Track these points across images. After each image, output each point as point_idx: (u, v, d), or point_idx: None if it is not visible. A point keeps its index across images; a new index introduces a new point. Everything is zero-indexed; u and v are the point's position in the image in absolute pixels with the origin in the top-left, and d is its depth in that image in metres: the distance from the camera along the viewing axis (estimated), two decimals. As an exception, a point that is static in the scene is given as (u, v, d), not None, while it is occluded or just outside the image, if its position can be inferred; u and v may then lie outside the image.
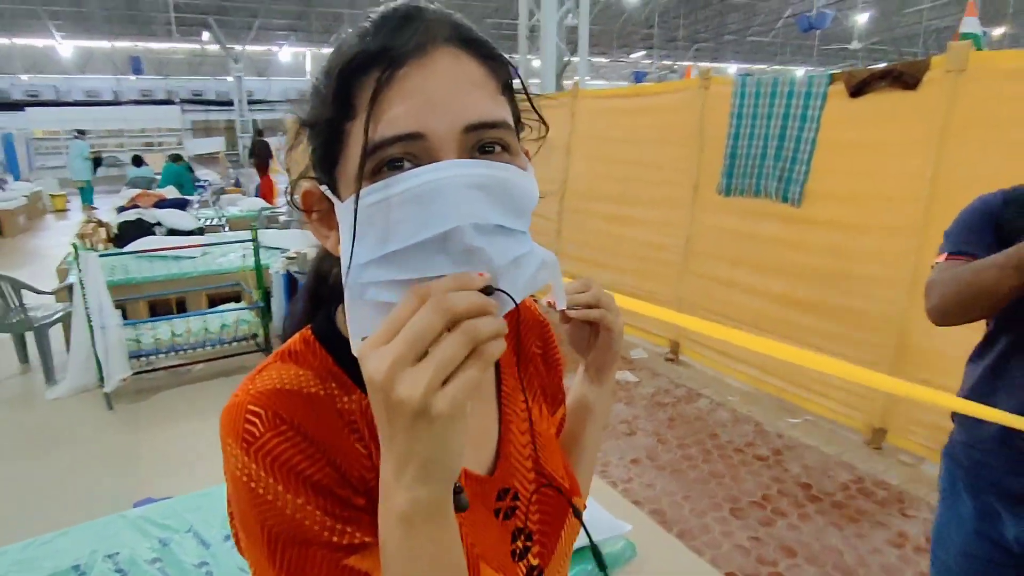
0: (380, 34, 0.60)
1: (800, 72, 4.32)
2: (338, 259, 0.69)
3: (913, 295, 3.72)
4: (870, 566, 3.02)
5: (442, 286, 0.51)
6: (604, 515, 2.47)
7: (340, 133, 0.62)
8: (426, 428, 0.49)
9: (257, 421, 0.62)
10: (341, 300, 0.72)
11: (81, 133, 16.01)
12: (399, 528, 0.54)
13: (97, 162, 15.29)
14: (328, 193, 0.64)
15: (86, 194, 15.71)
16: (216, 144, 22.03)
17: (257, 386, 0.65)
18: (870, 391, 4.02)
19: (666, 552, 3.05)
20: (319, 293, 0.80)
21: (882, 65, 3.87)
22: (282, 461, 0.61)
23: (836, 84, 4.07)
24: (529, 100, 0.72)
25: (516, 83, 0.69)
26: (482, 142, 0.60)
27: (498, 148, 0.62)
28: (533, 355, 0.93)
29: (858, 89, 3.95)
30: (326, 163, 0.65)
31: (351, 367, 0.69)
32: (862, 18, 21.70)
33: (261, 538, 0.61)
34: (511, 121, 0.65)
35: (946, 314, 1.55)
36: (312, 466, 0.62)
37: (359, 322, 0.60)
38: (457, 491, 0.58)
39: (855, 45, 23.52)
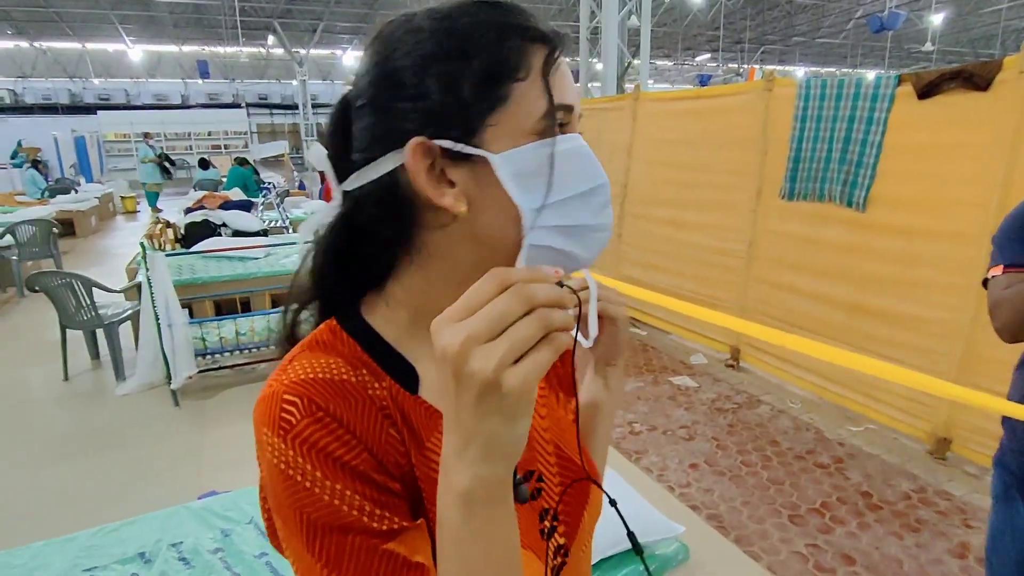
0: (526, 16, 0.67)
1: (870, 75, 4.23)
2: (368, 236, 0.72)
3: (980, 303, 3.62)
4: (931, 576, 2.96)
5: (523, 275, 0.53)
6: (658, 516, 2.46)
7: (506, 91, 0.64)
8: (496, 404, 0.51)
9: (293, 410, 0.63)
10: (366, 290, 0.77)
11: (147, 136, 15.84)
12: (459, 507, 0.55)
13: (165, 167, 14.91)
14: (468, 149, 0.63)
15: (151, 198, 15.26)
16: (280, 147, 22.39)
17: (290, 376, 0.66)
18: (934, 400, 3.93)
19: (721, 556, 3.02)
20: (334, 280, 0.77)
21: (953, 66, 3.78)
22: (319, 448, 0.62)
23: (904, 86, 3.98)
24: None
25: None
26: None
27: None
28: None
29: (926, 91, 3.87)
30: (472, 117, 0.63)
31: (380, 356, 0.71)
32: (936, 19, 20.64)
33: (299, 526, 0.62)
34: None
35: (1019, 332, 1.50)
36: (348, 452, 0.63)
37: (534, 258, 0.65)
38: (518, 482, 0.61)
39: (928, 47, 22.81)
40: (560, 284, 0.55)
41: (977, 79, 3.62)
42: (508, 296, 0.51)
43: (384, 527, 0.62)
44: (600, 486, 0.87)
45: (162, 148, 15.49)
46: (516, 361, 0.50)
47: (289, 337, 0.78)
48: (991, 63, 3.58)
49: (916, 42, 24.87)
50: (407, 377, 0.71)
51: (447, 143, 0.64)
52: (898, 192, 4.08)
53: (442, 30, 0.65)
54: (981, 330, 3.63)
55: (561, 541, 0.81)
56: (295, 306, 0.79)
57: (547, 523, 0.79)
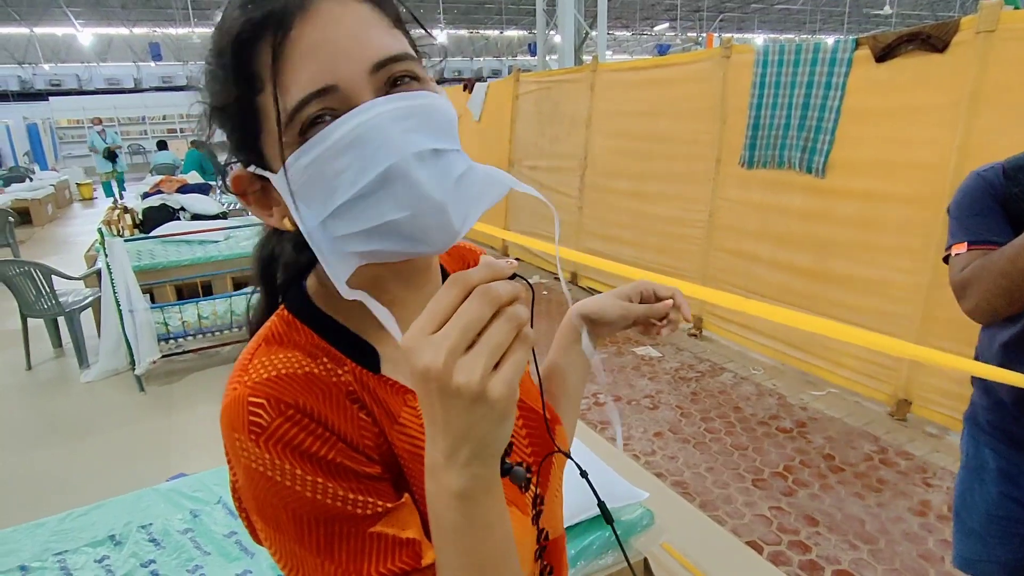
0: (242, 9, 0.61)
1: (829, 41, 4.26)
2: (283, 236, 0.73)
3: (939, 265, 3.67)
4: (891, 534, 3.03)
5: (482, 276, 0.51)
6: (621, 483, 2.48)
7: (252, 109, 0.62)
8: (486, 412, 0.50)
9: (261, 412, 0.61)
10: (307, 271, 0.77)
11: (97, 121, 14.72)
12: (457, 505, 0.55)
13: (112, 155, 14.12)
14: (259, 171, 0.65)
15: (106, 188, 14.59)
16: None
17: (252, 376, 0.65)
18: (895, 363, 4.00)
19: (686, 521, 3.06)
20: (271, 278, 0.80)
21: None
22: (294, 445, 0.61)
23: (861, 49, 4.01)
24: (416, 20, 0.71)
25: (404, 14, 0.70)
26: (392, 77, 0.62)
27: (407, 79, 0.63)
28: None
29: (884, 54, 3.89)
30: (247, 142, 0.65)
31: (337, 340, 0.71)
32: (896, -18, 20.96)
33: (288, 523, 0.62)
34: (412, 52, 0.66)
35: (994, 312, 1.46)
36: (323, 446, 0.62)
37: (340, 272, 0.62)
38: (510, 468, 0.63)
39: (887, 11, 22.91)
40: (513, 276, 0.55)
41: (935, 40, 3.65)
42: (476, 301, 0.50)
43: (368, 512, 0.62)
44: (565, 453, 0.89)
45: (114, 137, 14.57)
46: (496, 366, 0.50)
47: (259, 319, 0.78)
48: (948, 24, 3.60)
49: (875, 6, 24.96)
50: (368, 358, 0.70)
51: (252, 168, 0.65)
52: (857, 157, 4.12)
53: (208, 54, 0.66)
54: (939, 292, 3.70)
55: (536, 491, 0.83)
56: (257, 289, 0.81)
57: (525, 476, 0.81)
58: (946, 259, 1.62)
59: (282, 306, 0.74)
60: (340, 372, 0.68)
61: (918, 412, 3.95)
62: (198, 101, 0.67)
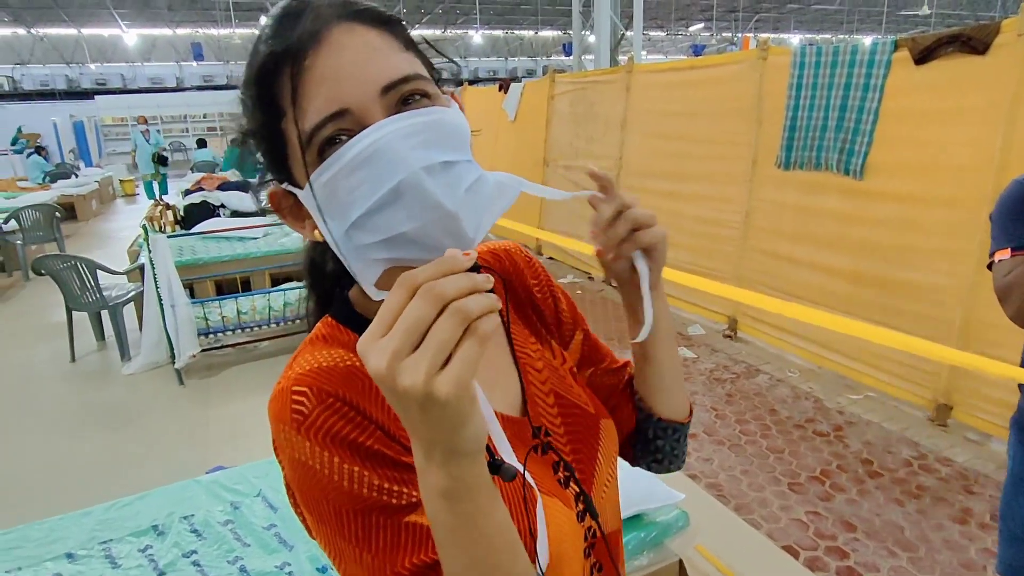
0: (277, 35, 0.65)
1: (866, 41, 4.22)
2: (324, 243, 0.75)
3: (981, 269, 3.62)
4: (932, 541, 2.99)
5: (428, 274, 0.51)
6: (657, 484, 2.48)
7: (278, 134, 0.67)
8: (439, 412, 0.50)
9: (304, 400, 0.65)
10: (340, 281, 0.82)
11: (142, 120, 14.59)
12: (442, 503, 0.55)
13: (163, 160, 13.91)
14: (289, 188, 0.70)
15: (148, 188, 14.36)
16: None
17: (296, 370, 0.69)
18: (935, 367, 3.94)
19: (721, 524, 3.05)
20: (320, 283, 0.86)
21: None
22: (333, 433, 0.64)
23: (900, 51, 3.96)
24: (428, 43, 0.76)
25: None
26: (402, 96, 0.66)
27: (418, 97, 0.67)
28: (530, 297, 0.96)
29: (923, 56, 3.85)
30: (277, 163, 0.71)
31: None
32: (934, -19, 20.61)
33: (328, 514, 0.65)
34: (423, 71, 0.69)
35: None
36: (362, 433, 0.65)
37: (367, 276, 0.66)
38: (498, 464, 0.60)
39: (926, 11, 22.55)
40: (476, 268, 0.53)
41: (975, 43, 3.60)
42: (417, 301, 0.50)
43: (403, 502, 0.65)
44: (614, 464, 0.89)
45: (157, 137, 14.32)
46: (445, 364, 0.49)
47: (313, 314, 0.84)
48: (989, 26, 3.55)
49: (913, 6, 24.57)
50: None
51: (284, 185, 0.71)
52: (895, 159, 4.08)
53: (241, 85, 0.71)
54: (981, 295, 3.64)
55: (577, 489, 0.82)
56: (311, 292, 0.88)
57: (561, 473, 0.81)
58: (990, 265, 1.61)
59: (327, 315, 0.79)
60: None
61: (959, 417, 3.89)
62: (239, 126, 0.73)
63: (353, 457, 0.64)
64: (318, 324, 0.78)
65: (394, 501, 0.64)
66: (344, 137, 0.63)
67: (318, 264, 0.86)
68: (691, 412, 1.00)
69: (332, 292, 0.83)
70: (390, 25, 0.70)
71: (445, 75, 0.76)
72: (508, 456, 0.70)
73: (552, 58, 33.64)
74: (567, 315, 0.99)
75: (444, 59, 0.78)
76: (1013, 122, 3.47)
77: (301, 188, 0.67)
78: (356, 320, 0.76)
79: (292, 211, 0.74)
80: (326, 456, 0.63)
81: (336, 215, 0.64)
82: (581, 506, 0.82)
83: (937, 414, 3.96)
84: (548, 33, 31.15)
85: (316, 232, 0.71)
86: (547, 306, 0.97)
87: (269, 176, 0.74)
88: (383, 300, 0.59)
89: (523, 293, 0.96)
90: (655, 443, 0.99)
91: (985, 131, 3.59)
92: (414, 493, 0.65)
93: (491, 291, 0.52)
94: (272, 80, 0.65)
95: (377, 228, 0.63)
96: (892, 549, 2.96)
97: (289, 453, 0.65)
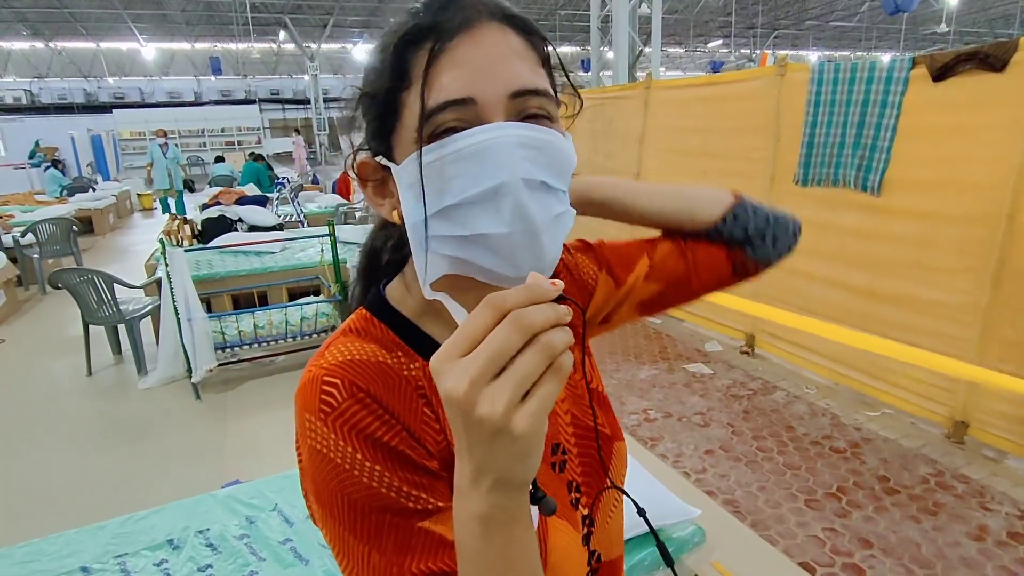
0: (430, 12, 0.66)
1: (884, 58, 4.22)
2: (391, 230, 0.79)
3: (998, 286, 3.62)
4: (949, 559, 2.97)
5: (517, 299, 0.49)
6: (673, 500, 2.47)
7: (396, 102, 0.67)
8: (508, 444, 0.49)
9: (334, 391, 0.65)
10: (391, 275, 0.83)
11: (162, 133, 13.73)
12: (477, 529, 0.54)
13: (191, 188, 13.48)
14: (384, 161, 0.70)
15: (163, 203, 13.82)
16: (292, 143, 22.53)
17: (328, 359, 0.69)
18: (952, 384, 3.92)
19: (737, 540, 3.04)
20: (372, 270, 0.87)
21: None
22: (360, 428, 0.64)
23: (918, 68, 3.96)
24: (563, 70, 0.76)
25: (554, 60, 0.74)
26: (527, 110, 0.66)
27: (541, 117, 0.67)
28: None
29: (941, 73, 3.84)
30: (382, 133, 0.70)
31: (411, 339, 0.75)
32: (952, -1, 20.54)
33: (341, 508, 0.64)
34: (552, 91, 0.70)
35: None
36: (388, 432, 0.65)
37: (429, 271, 0.67)
38: (541, 496, 0.59)
39: (944, 28, 22.49)
40: (561, 299, 0.52)
41: (993, 60, 3.60)
42: (506, 328, 0.48)
43: (420, 507, 0.65)
44: (620, 488, 0.87)
45: (175, 152, 13.53)
46: (524, 397, 0.48)
47: (359, 299, 0.86)
48: (1007, 43, 3.55)
49: (932, 23, 24.53)
50: None
51: (378, 158, 0.71)
52: (913, 175, 4.06)
53: (373, 49, 0.72)
54: (998, 313, 3.63)
55: (585, 512, 0.82)
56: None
57: (573, 494, 0.81)
58: None
59: (362, 307, 0.79)
60: (412, 367, 0.72)
61: (976, 435, 3.87)
62: (351, 86, 0.74)
63: (376, 455, 0.64)
64: (352, 316, 0.78)
65: (410, 504, 0.64)
66: (459, 127, 0.63)
67: (377, 252, 0.87)
68: (735, 195, 1.03)
69: (375, 283, 0.84)
70: (535, 38, 0.70)
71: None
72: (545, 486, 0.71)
73: (571, 74, 33.76)
74: (604, 292, 0.99)
75: (572, 88, 0.79)
76: (1032, 140, 3.46)
77: (397, 163, 0.68)
78: (391, 315, 0.76)
79: (377, 186, 0.75)
80: (349, 450, 0.63)
81: (419, 199, 0.64)
82: (587, 529, 0.82)
83: (954, 431, 3.93)
84: (566, 49, 31.22)
85: (395, 213, 0.71)
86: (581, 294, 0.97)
87: (365, 145, 0.74)
88: (440, 297, 0.66)
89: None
90: (732, 239, 1.02)
91: (1003, 148, 3.57)
92: (431, 500, 0.65)
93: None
94: (410, 49, 0.66)
95: (463, 222, 0.63)
96: (909, 566, 2.94)
97: (310, 443, 0.65)
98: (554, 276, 0.95)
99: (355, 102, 0.73)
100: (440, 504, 0.66)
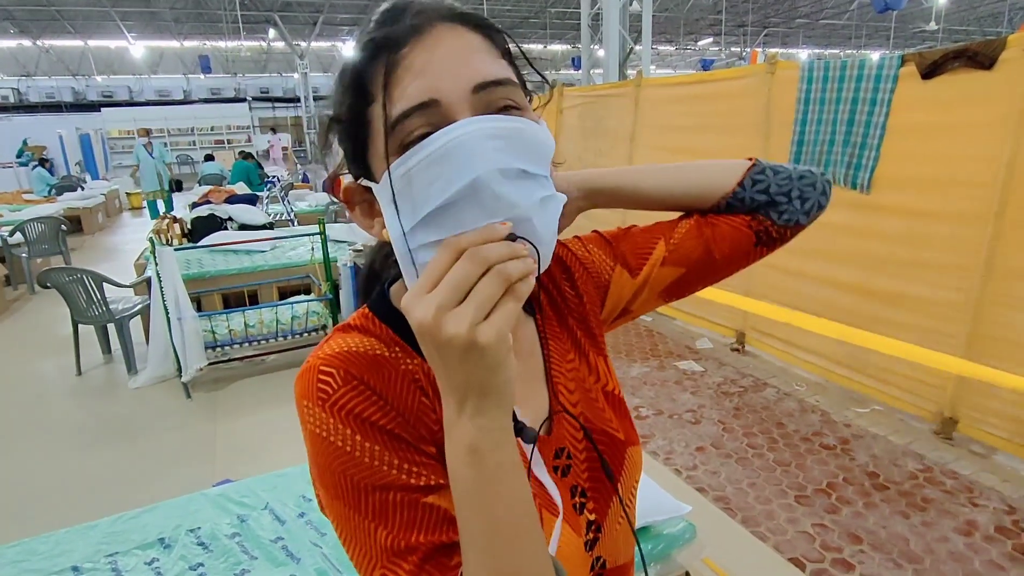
0: (381, 26, 0.67)
1: (874, 56, 4.24)
2: (386, 253, 0.80)
3: (987, 283, 3.65)
4: (937, 553, 2.99)
5: (472, 239, 0.56)
6: (664, 496, 2.48)
7: (363, 120, 0.68)
8: (478, 358, 0.54)
9: (330, 380, 0.68)
10: (394, 277, 0.83)
11: (145, 132, 13.24)
12: (469, 458, 0.59)
13: (178, 187, 13.12)
14: (364, 182, 0.70)
15: (151, 207, 13.45)
16: (282, 141, 22.42)
17: (325, 351, 0.71)
18: (941, 381, 3.94)
19: (728, 536, 3.07)
20: (374, 275, 0.88)
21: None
22: (356, 413, 0.66)
23: (907, 66, 3.97)
24: (525, 58, 0.75)
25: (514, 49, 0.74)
26: (493, 102, 0.65)
27: (509, 107, 0.67)
28: (567, 299, 0.95)
29: (930, 71, 3.85)
30: (357, 153, 0.71)
31: (411, 338, 0.75)
32: (941, -3, 20.61)
33: (345, 489, 0.66)
34: (516, 80, 0.69)
35: None
36: (384, 416, 0.68)
37: (414, 278, 0.66)
38: (520, 426, 0.66)
39: (933, 26, 22.60)
40: (512, 237, 0.59)
41: (981, 58, 3.61)
42: (464, 261, 0.55)
43: (422, 483, 0.67)
44: (621, 498, 0.87)
45: (162, 151, 13.16)
46: (486, 317, 0.54)
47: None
48: (995, 41, 3.56)
49: (921, 21, 24.62)
50: None
51: (360, 180, 0.71)
52: (902, 173, 4.08)
53: (336, 76, 0.72)
54: (987, 310, 3.66)
55: (591, 517, 0.82)
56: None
57: (577, 499, 0.82)
58: None
59: (365, 305, 0.81)
60: (409, 362, 0.74)
61: (964, 431, 3.89)
62: (325, 114, 0.75)
63: (375, 436, 0.66)
64: (353, 314, 0.80)
65: (413, 480, 0.66)
66: (428, 132, 0.62)
67: (377, 273, 0.88)
68: (751, 160, 0.98)
69: (374, 286, 0.86)
70: (491, 32, 0.70)
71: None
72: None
73: (561, 72, 33.75)
74: (617, 291, 0.97)
75: (537, 74, 0.78)
76: (1019, 137, 3.48)
77: (377, 182, 0.67)
78: (393, 316, 0.77)
79: (364, 208, 0.75)
80: (348, 432, 0.66)
81: (406, 209, 0.63)
82: (591, 535, 0.82)
83: (943, 427, 3.96)
84: (557, 47, 31.21)
85: (384, 232, 0.69)
86: (593, 304, 0.96)
87: (343, 170, 0.75)
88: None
89: (572, 302, 0.94)
90: (755, 205, 0.97)
91: (991, 146, 3.59)
92: (432, 476, 0.67)
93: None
94: (368, 68, 0.66)
95: (448, 225, 0.61)
96: (898, 561, 2.96)
97: (311, 428, 0.67)
98: (566, 269, 0.94)
99: (325, 129, 0.75)
100: (442, 481, 0.67)
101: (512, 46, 0.73)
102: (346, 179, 0.75)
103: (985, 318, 3.68)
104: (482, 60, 0.66)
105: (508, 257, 0.55)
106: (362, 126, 0.68)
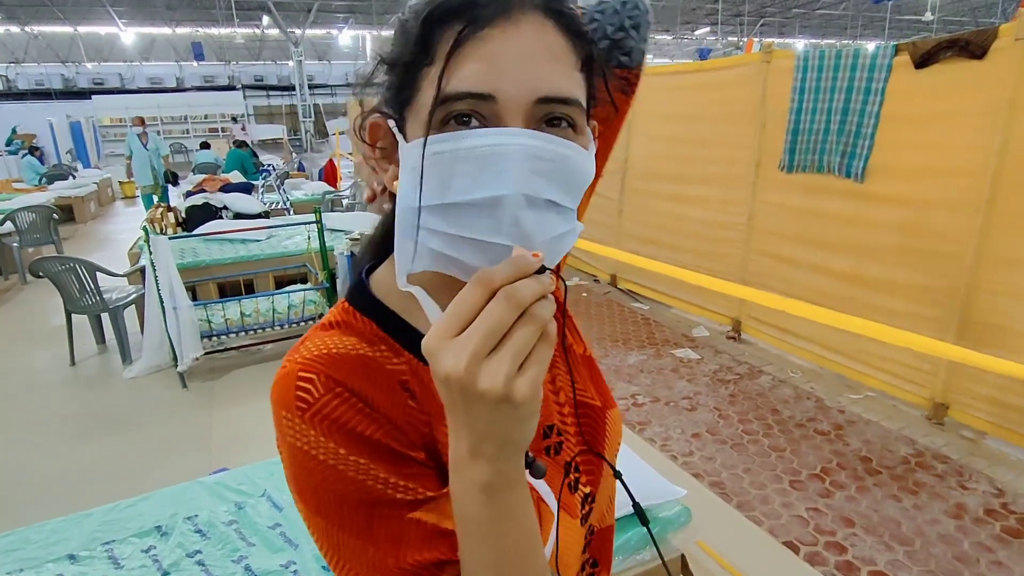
0: None
1: (869, 46, 4.25)
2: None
3: (977, 271, 3.68)
4: (927, 536, 3.04)
5: (506, 275, 0.51)
6: (660, 480, 2.50)
7: (416, 76, 0.63)
8: (510, 411, 0.50)
9: (310, 386, 0.62)
10: (374, 265, 0.79)
11: (139, 121, 11.88)
12: (481, 498, 0.55)
13: (174, 179, 11.86)
14: (395, 130, 0.65)
15: (147, 201, 11.64)
16: (277, 130, 22.26)
17: (303, 354, 0.66)
18: (932, 367, 3.98)
19: (723, 520, 3.09)
20: (382, 244, 0.81)
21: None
22: (340, 423, 0.62)
23: (901, 55, 3.99)
24: (606, 85, 0.70)
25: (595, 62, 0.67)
26: (551, 115, 0.60)
27: (565, 124, 0.61)
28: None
29: (923, 60, 3.87)
30: (398, 102, 0.66)
31: (396, 331, 0.71)
32: (937, -12, 20.61)
33: (329, 504, 0.62)
34: (583, 100, 0.64)
35: None
36: (370, 425, 0.63)
37: (404, 258, 0.62)
38: (531, 460, 0.60)
39: (928, 17, 22.58)
40: (542, 269, 0.53)
41: (973, 47, 3.63)
42: (499, 304, 0.50)
43: (409, 497, 0.63)
44: (609, 463, 0.85)
45: (156, 140, 11.72)
46: (520, 366, 0.50)
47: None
48: (987, 31, 3.58)
49: (916, 12, 24.62)
50: None
51: (392, 124, 0.66)
52: (896, 162, 4.10)
53: (404, 11, 0.66)
54: (976, 297, 3.70)
55: (586, 490, 0.81)
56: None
57: (572, 475, 0.80)
58: None
59: (343, 300, 0.75)
60: (396, 361, 0.69)
61: (955, 416, 3.94)
62: (381, 51, 0.68)
63: (360, 448, 0.62)
64: (332, 310, 0.74)
65: (399, 496, 0.62)
66: (476, 122, 0.58)
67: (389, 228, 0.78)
68: None
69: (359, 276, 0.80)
70: (580, 40, 0.64)
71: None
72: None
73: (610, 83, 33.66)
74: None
75: (609, 99, 0.72)
76: (1010, 126, 3.51)
77: (406, 140, 0.63)
78: (375, 308, 0.72)
79: (385, 152, 0.71)
80: (331, 445, 0.61)
81: (416, 188, 0.59)
82: (587, 508, 0.82)
83: (934, 413, 4.00)
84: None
85: (395, 184, 0.65)
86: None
87: (382, 108, 0.69)
88: (414, 291, 0.61)
89: None
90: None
91: (983, 135, 3.62)
92: (420, 489, 0.63)
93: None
94: (441, 25, 0.60)
95: (458, 222, 0.58)
96: (889, 543, 3.00)
97: (290, 441, 0.62)
98: None
99: (375, 63, 0.68)
100: (430, 494, 0.64)
101: (596, 61, 0.67)
102: (374, 116, 0.70)
103: (975, 305, 3.72)
104: (557, 70, 0.60)
105: (539, 296, 0.51)
106: (412, 80, 0.63)
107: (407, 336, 0.71)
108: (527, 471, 0.59)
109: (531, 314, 0.50)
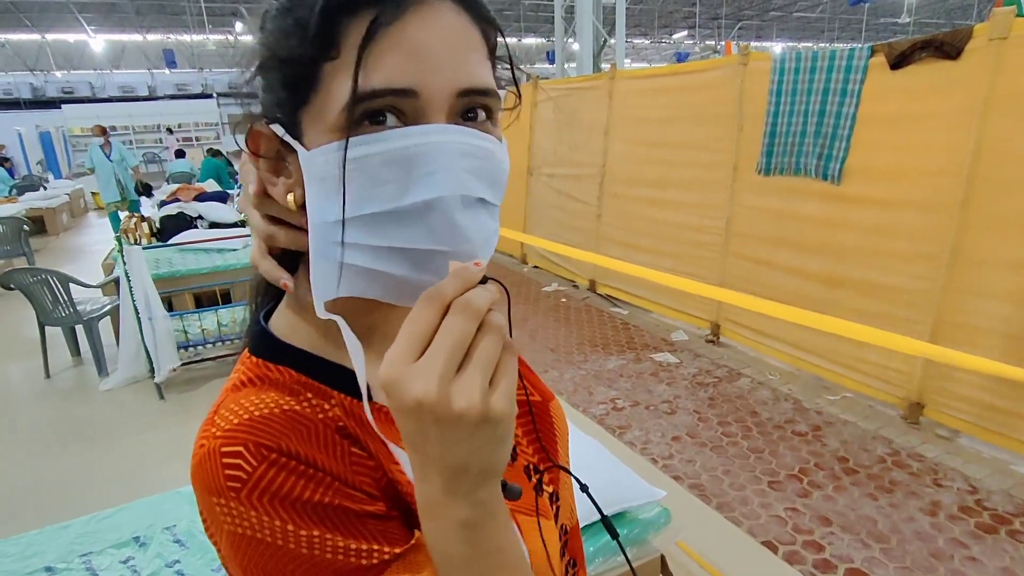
0: None
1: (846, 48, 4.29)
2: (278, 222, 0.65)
3: (952, 272, 3.72)
4: (903, 533, 3.07)
5: (455, 288, 0.48)
6: (639, 482, 2.51)
7: (315, 74, 0.55)
8: (490, 433, 0.47)
9: (240, 460, 0.54)
10: (270, 310, 0.71)
11: (102, 131, 11.31)
12: (464, 536, 0.51)
13: (147, 191, 10.96)
14: (287, 138, 0.58)
15: (113, 219, 11.08)
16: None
17: (221, 425, 0.57)
18: (908, 368, 4.02)
19: (703, 521, 3.12)
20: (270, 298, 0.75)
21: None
22: (282, 496, 0.54)
23: (877, 57, 4.02)
24: (512, 70, 0.67)
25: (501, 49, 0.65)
26: (470, 110, 0.58)
27: (483, 115, 0.59)
28: None
29: (899, 61, 3.91)
30: (290, 104, 0.58)
31: (319, 373, 0.64)
32: (912, -10, 20.83)
33: None
34: (497, 88, 0.61)
35: None
36: (317, 488, 0.55)
37: (326, 281, 0.58)
38: (504, 484, 0.56)
39: (905, 19, 22.81)
40: (484, 279, 0.51)
41: (948, 48, 3.67)
42: (457, 318, 0.47)
43: (375, 560, 0.55)
44: (560, 465, 0.82)
45: (122, 151, 11.28)
46: (490, 382, 0.47)
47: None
48: (961, 31, 3.62)
49: (892, 15, 24.84)
50: (357, 387, 0.58)
51: (279, 129, 0.59)
52: (872, 163, 4.14)
53: (286, 2, 0.57)
54: (952, 298, 3.74)
55: (550, 489, 0.79)
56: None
57: (533, 478, 0.76)
58: None
59: (245, 352, 0.67)
60: (327, 407, 0.62)
61: (930, 415, 3.98)
62: (256, 40, 0.61)
63: (310, 519, 0.54)
64: (237, 367, 0.66)
65: (364, 562, 0.55)
66: (392, 120, 0.54)
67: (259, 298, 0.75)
68: None
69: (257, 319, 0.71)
70: (491, 28, 0.61)
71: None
72: None
73: (536, 66, 33.69)
74: None
75: (512, 82, 0.68)
76: (984, 126, 3.54)
77: (306, 147, 0.56)
78: (287, 353, 0.64)
79: (270, 164, 0.62)
80: (277, 524, 0.53)
81: (333, 198, 0.55)
82: (555, 507, 0.79)
83: (910, 412, 4.04)
84: (531, 40, 31.15)
85: (291, 197, 0.60)
86: None
87: (262, 116, 0.61)
88: (335, 319, 0.56)
89: None
90: None
91: (958, 135, 3.65)
92: (384, 549, 0.56)
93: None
94: (343, 18, 0.53)
95: (384, 234, 0.54)
96: (866, 541, 3.03)
97: (228, 529, 0.54)
98: None
99: (255, 62, 0.60)
100: (396, 551, 0.56)
101: (502, 48, 0.64)
102: (257, 123, 0.61)
103: (950, 305, 3.75)
104: (476, 60, 0.57)
105: (491, 304, 0.48)
106: (308, 78, 0.56)
107: (331, 374, 0.64)
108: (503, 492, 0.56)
109: (488, 324, 0.48)
